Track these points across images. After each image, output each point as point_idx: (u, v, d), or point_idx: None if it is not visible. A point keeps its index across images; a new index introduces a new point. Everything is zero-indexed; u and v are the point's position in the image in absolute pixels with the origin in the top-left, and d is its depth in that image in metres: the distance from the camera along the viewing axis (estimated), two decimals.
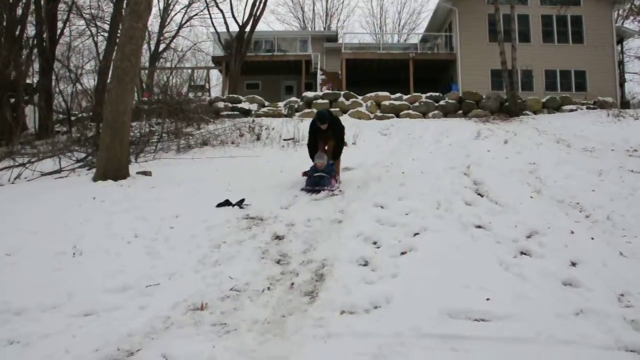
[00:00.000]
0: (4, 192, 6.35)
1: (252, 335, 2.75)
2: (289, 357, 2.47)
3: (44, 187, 6.46)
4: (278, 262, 3.89)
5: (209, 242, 4.30)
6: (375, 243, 4.09)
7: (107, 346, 2.67)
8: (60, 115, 14.88)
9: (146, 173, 7.33)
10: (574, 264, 3.56)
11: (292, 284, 3.44)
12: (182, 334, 2.83)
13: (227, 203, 5.42)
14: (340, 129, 6.74)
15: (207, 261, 3.92)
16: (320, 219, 4.89)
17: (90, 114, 13.59)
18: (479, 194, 5.63)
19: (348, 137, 10.57)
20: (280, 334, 2.75)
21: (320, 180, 6.12)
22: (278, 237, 4.44)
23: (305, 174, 6.33)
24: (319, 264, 3.75)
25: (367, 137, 11.62)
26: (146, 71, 23.45)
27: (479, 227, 4.38)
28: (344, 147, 6.84)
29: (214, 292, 3.34)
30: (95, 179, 6.80)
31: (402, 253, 3.81)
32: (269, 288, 3.40)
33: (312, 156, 6.60)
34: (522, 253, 3.78)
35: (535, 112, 16.53)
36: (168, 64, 28.93)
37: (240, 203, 5.42)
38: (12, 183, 7.09)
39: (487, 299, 2.95)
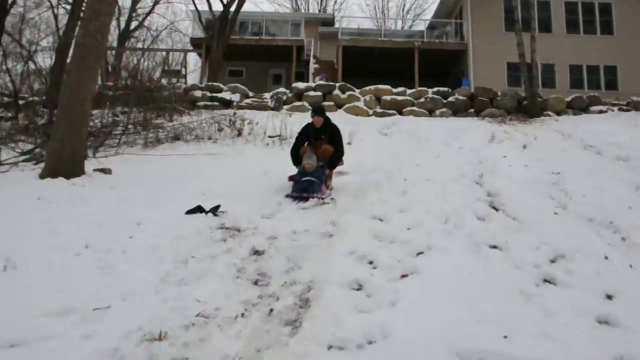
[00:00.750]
0: None
1: None
2: None
3: None
4: (256, 282, 3.74)
5: (174, 256, 4.12)
6: (371, 263, 3.95)
7: None
8: (6, 98, 14.53)
9: (105, 171, 7.13)
10: (609, 297, 3.43)
11: (271, 310, 3.27)
12: None
13: (199, 209, 5.25)
14: (339, 135, 6.66)
15: (170, 279, 3.74)
16: (307, 231, 4.74)
17: (43, 98, 13.29)
18: (493, 208, 5.52)
19: (343, 136, 10.51)
20: None
21: (309, 185, 6.00)
22: (257, 252, 4.28)
23: (291, 178, 6.22)
24: (305, 287, 3.59)
25: (364, 137, 11.51)
26: (113, 52, 23.18)
27: (494, 247, 4.26)
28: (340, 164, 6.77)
29: (176, 318, 3.16)
30: (42, 176, 6.56)
31: (403, 276, 3.67)
32: (243, 315, 3.23)
33: (296, 164, 6.50)
34: (545, 281, 3.65)
35: (558, 113, 16.46)
36: (139, 45, 28.74)
37: (214, 210, 5.24)
38: None
39: (505, 337, 2.81)
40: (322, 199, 5.94)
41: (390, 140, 11.81)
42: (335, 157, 6.55)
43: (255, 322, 3.14)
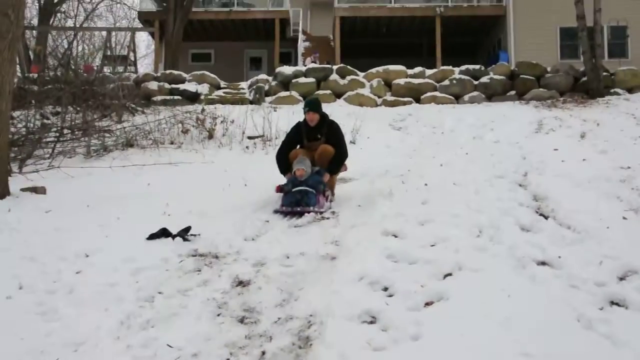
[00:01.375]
0: None
1: None
2: None
3: None
4: (242, 320, 3.86)
5: (136, 293, 4.25)
6: (386, 289, 4.09)
7: None
8: None
9: (37, 190, 7.27)
10: None
11: (263, 353, 3.40)
12: None
13: (164, 234, 5.39)
14: (340, 134, 6.83)
15: (133, 322, 3.87)
16: (304, 254, 4.88)
17: None
18: (541, 215, 5.67)
19: (345, 133, 10.67)
20: None
21: (302, 197, 6.13)
22: (241, 283, 4.41)
23: (280, 189, 6.36)
24: (303, 323, 3.72)
25: (372, 133, 11.69)
26: (34, 32, 23.28)
27: (543, 263, 4.41)
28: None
29: None
30: None
31: (427, 304, 3.81)
32: None
33: (284, 172, 6.67)
34: (613, 303, 3.79)
35: (629, 90, 16.54)
36: (70, 23, 28.86)
37: (184, 233, 5.39)
38: None
39: None
40: (320, 213, 6.04)
41: (405, 135, 12.00)
42: (337, 160, 6.70)
43: None
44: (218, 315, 3.95)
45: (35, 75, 15.49)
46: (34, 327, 3.85)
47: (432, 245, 4.83)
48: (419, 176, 7.52)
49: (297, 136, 6.88)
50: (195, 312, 3.97)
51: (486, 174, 7.50)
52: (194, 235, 5.41)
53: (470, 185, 6.83)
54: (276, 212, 6.15)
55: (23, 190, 7.20)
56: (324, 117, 6.82)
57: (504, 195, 6.30)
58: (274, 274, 4.54)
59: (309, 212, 5.99)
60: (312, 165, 6.57)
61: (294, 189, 6.24)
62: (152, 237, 5.37)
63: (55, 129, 10.88)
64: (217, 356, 3.44)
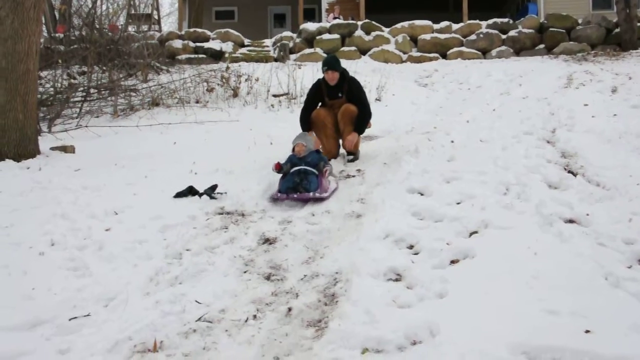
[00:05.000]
0: None
1: None
2: None
3: None
4: (268, 277, 3.93)
5: (164, 251, 4.33)
6: (411, 247, 4.11)
7: None
8: None
9: (66, 149, 7.35)
10: None
11: (290, 309, 3.46)
12: None
13: (190, 192, 5.45)
14: (362, 91, 6.74)
15: (162, 279, 3.95)
16: (329, 212, 4.91)
17: None
18: (570, 172, 5.61)
19: (369, 91, 10.58)
20: None
21: (302, 180, 5.42)
22: (268, 241, 4.48)
23: (279, 167, 5.63)
24: (329, 280, 3.77)
25: (397, 90, 11.59)
26: None
27: (571, 221, 4.36)
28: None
29: (172, 324, 3.37)
30: None
31: (453, 262, 3.82)
32: (255, 316, 3.42)
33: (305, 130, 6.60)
34: None
35: None
36: None
37: (210, 191, 5.43)
38: None
39: (587, 332, 2.94)
40: (322, 199, 5.33)
41: (431, 92, 11.88)
42: (362, 118, 6.64)
43: (270, 324, 3.32)
44: (245, 272, 4.01)
45: (61, 35, 15.52)
46: (66, 282, 3.94)
47: (458, 203, 4.81)
48: (445, 133, 7.46)
49: (318, 95, 6.82)
50: (222, 269, 4.04)
51: (513, 130, 7.40)
52: (221, 193, 5.45)
53: (497, 142, 6.76)
54: (272, 198, 5.41)
55: (52, 149, 7.30)
56: (343, 74, 6.73)
57: (532, 152, 6.23)
58: (299, 232, 4.58)
59: (308, 200, 5.30)
60: (334, 124, 6.51)
61: (292, 170, 5.55)
62: (179, 195, 5.43)
63: (82, 89, 10.94)
64: (243, 312, 3.50)
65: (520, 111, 8.84)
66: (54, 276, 4.04)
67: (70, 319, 3.49)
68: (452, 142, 6.90)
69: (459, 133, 7.39)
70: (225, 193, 5.45)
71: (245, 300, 3.62)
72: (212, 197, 5.37)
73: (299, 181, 5.35)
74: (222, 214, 5.05)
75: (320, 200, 5.26)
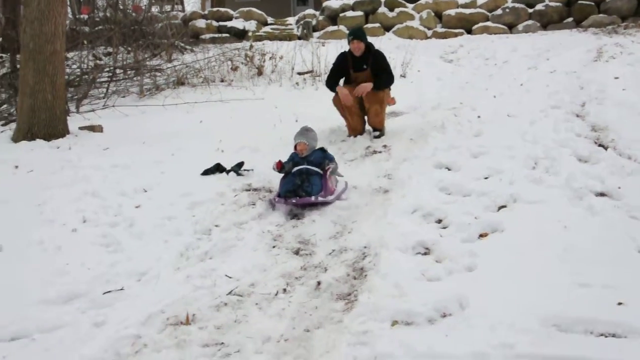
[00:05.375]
0: None
1: (262, 359, 2.82)
2: None
3: None
4: (297, 252, 3.98)
5: (194, 227, 4.39)
6: (439, 221, 4.11)
7: None
8: None
9: (95, 128, 7.44)
10: None
11: (319, 283, 3.49)
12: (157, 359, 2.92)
13: (218, 169, 5.50)
14: (385, 62, 6.68)
15: (192, 254, 4.02)
16: (357, 188, 4.93)
17: None
18: (600, 146, 5.54)
19: (394, 67, 10.53)
20: (304, 356, 2.81)
21: (303, 182, 4.81)
22: (296, 217, 4.55)
23: (280, 167, 5.03)
24: (358, 254, 3.80)
25: (423, 66, 11.50)
26: None
27: (602, 194, 4.32)
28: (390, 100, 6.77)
29: (204, 298, 3.43)
30: (16, 139, 6.94)
31: (481, 236, 3.82)
32: (285, 290, 3.47)
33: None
34: None
35: None
36: None
37: (237, 168, 5.47)
38: None
39: (619, 304, 2.92)
40: (325, 203, 4.72)
41: (457, 68, 11.77)
42: (385, 80, 6.52)
43: (300, 298, 3.36)
44: (273, 247, 4.06)
45: (86, 17, 15.61)
46: (99, 258, 4.03)
47: (486, 178, 4.79)
48: (472, 109, 7.40)
49: (343, 66, 6.76)
50: (251, 244, 4.09)
51: (541, 104, 7.31)
52: (248, 170, 5.49)
53: (524, 116, 6.68)
54: (273, 202, 4.81)
55: (81, 128, 7.39)
56: (369, 46, 6.68)
57: (561, 126, 6.15)
58: (327, 207, 4.61)
59: (310, 204, 4.69)
60: (358, 102, 6.46)
61: (294, 169, 4.98)
62: (207, 172, 5.47)
63: (108, 69, 11.02)
64: (273, 286, 3.54)
65: (548, 85, 8.72)
66: (87, 252, 4.13)
67: (104, 293, 3.57)
68: (479, 117, 6.84)
69: (486, 108, 7.32)
70: (252, 170, 5.48)
71: (274, 274, 3.67)
72: (239, 174, 5.40)
73: (300, 183, 4.76)
74: (249, 190, 5.09)
75: (325, 203, 4.68)
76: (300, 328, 3.06)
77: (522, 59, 11.74)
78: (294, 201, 4.65)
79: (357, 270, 3.60)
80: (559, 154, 5.20)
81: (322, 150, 5.24)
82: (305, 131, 5.32)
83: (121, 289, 3.61)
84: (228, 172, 5.44)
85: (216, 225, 4.40)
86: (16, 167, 5.83)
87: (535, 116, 6.70)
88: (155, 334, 3.11)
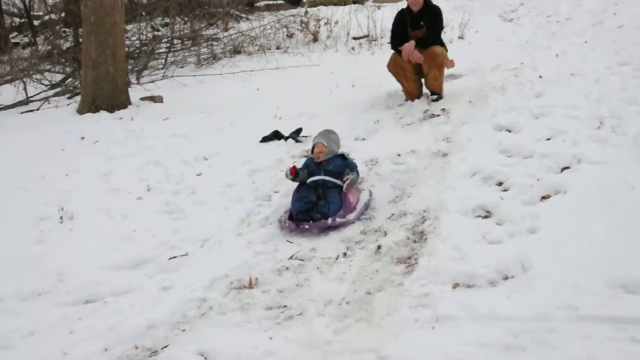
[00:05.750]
0: None
1: (324, 321, 2.89)
2: (380, 350, 2.57)
3: (7, 126, 6.88)
4: (357, 217, 4.02)
5: (254, 193, 4.49)
6: (500, 184, 4.06)
7: (121, 343, 2.91)
8: (17, 20, 15.20)
9: (155, 99, 7.58)
10: None
11: (379, 247, 3.53)
12: (224, 322, 3.03)
13: (276, 136, 5.56)
14: (440, 18, 6.50)
15: (253, 220, 4.11)
16: (415, 152, 4.90)
17: (62, 15, 13.94)
18: None
19: (452, 28, 10.30)
20: (365, 319, 2.86)
21: (320, 199, 4.09)
22: None
23: (294, 173, 4.27)
24: (417, 218, 3.81)
25: (481, 26, 11.20)
26: None
27: None
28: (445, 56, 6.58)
29: (266, 262, 3.53)
30: (81, 111, 7.15)
31: (544, 197, 3.75)
32: (345, 254, 3.52)
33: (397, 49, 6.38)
34: None
35: None
36: None
37: (295, 135, 5.52)
38: None
39: None
40: (346, 219, 3.98)
41: (517, 27, 11.40)
42: (430, 39, 6.37)
43: (360, 261, 3.41)
44: None
45: None
46: (164, 225, 4.17)
47: (548, 139, 4.67)
48: (533, 68, 7.19)
49: (402, 25, 6.62)
50: None
51: (607, 62, 7.03)
52: (305, 136, 5.52)
53: (589, 75, 6.45)
54: (284, 224, 4.02)
55: (142, 99, 7.54)
56: (427, 1, 6.52)
57: (629, 84, 5.91)
58: (386, 172, 4.61)
59: (325, 227, 3.93)
60: (414, 66, 6.31)
61: (309, 180, 4.25)
62: (265, 139, 5.53)
63: (166, 40, 11.16)
64: (333, 250, 3.60)
65: (615, 42, 8.37)
66: (152, 219, 4.28)
67: (169, 259, 3.70)
68: (541, 77, 6.64)
69: (548, 68, 7.09)
70: (310, 136, 5.50)
71: (335, 239, 3.73)
72: (297, 141, 5.44)
73: (315, 200, 4.05)
74: (307, 156, 5.11)
75: (343, 225, 3.94)
76: (361, 291, 3.10)
77: (587, 15, 11.28)
78: (307, 227, 3.91)
79: (417, 233, 3.61)
80: (627, 113, 5.00)
81: (343, 156, 4.49)
82: (327, 132, 4.62)
83: (186, 255, 3.74)
84: (286, 138, 5.49)
85: (276, 192, 4.47)
86: (82, 138, 6.02)
87: (600, 74, 6.46)
88: (220, 297, 3.21)
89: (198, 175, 4.94)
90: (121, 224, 4.27)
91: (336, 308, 2.98)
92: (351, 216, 3.98)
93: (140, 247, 3.89)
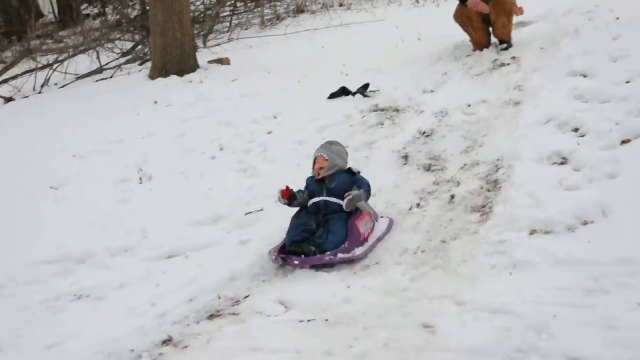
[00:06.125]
0: (30, 105, 7.11)
1: (400, 269, 2.93)
2: (458, 296, 2.58)
3: (83, 93, 7.13)
4: (428, 168, 4.00)
5: None
6: (576, 130, 3.95)
7: (204, 294, 3.04)
8: None
9: (222, 61, 7.67)
10: None
11: (452, 196, 3.52)
12: (301, 273, 3.13)
13: (343, 92, 5.55)
14: None
15: None
16: (485, 101, 4.81)
17: None
18: None
19: None
20: (441, 266, 2.88)
21: (319, 227, 3.36)
22: (424, 134, 4.51)
23: (288, 196, 3.48)
24: (491, 167, 3.76)
25: None
26: None
27: None
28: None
29: None
30: (152, 76, 7.32)
31: (623, 142, 3.63)
32: (418, 205, 3.53)
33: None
34: None
35: None
36: None
37: (363, 90, 5.50)
38: (39, 92, 7.86)
39: None
40: (351, 256, 3.17)
41: None
42: None
43: (434, 211, 3.42)
44: (404, 164, 4.11)
45: None
46: (238, 182, 4.29)
47: (627, 82, 4.47)
48: (609, 10, 6.86)
49: None
50: (381, 162, 4.17)
51: None
52: (373, 91, 5.49)
53: None
54: (271, 255, 3.25)
55: (210, 62, 7.64)
56: None
57: None
58: (456, 123, 4.55)
59: (321, 263, 3.17)
60: (479, 14, 6.09)
61: (310, 202, 3.48)
62: (333, 95, 5.54)
63: (229, 3, 11.22)
64: (406, 202, 3.61)
65: None
66: (226, 177, 4.40)
67: (245, 214, 3.81)
68: (617, 19, 6.36)
69: (625, 9, 6.76)
70: (378, 91, 5.48)
71: (407, 190, 3.73)
72: (365, 96, 5.43)
73: (314, 228, 3.34)
74: (376, 110, 5.11)
75: (347, 261, 3.17)
76: (436, 240, 3.12)
77: None
78: (296, 262, 3.17)
79: (491, 182, 3.58)
80: None
81: (351, 172, 3.59)
82: (328, 144, 3.71)
83: (261, 210, 3.83)
84: (354, 94, 5.47)
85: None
86: (155, 102, 6.19)
87: None
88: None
89: (268, 133, 5.01)
90: (197, 182, 4.40)
91: (412, 257, 3.01)
92: (358, 251, 3.19)
93: (216, 204, 4.01)
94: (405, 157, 4.18)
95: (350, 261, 3.14)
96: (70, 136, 5.53)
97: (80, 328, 2.90)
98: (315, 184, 3.50)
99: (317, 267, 3.15)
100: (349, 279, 2.94)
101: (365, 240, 3.28)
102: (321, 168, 3.50)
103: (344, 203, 3.26)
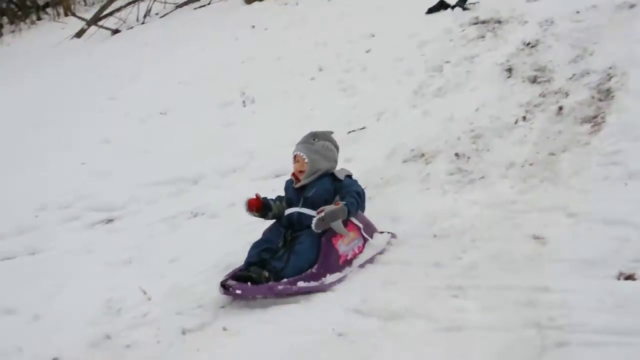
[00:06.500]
0: (135, 36, 7.33)
1: (508, 183, 2.89)
2: (569, 207, 2.53)
3: (184, 22, 7.31)
4: (534, 80, 3.85)
5: (424, 65, 4.43)
6: None
7: None
8: None
9: None
10: None
11: (561, 108, 3.40)
12: (408, 187, 3.11)
13: (442, 5, 5.39)
14: None
15: (425, 91, 4.09)
16: (596, 7, 4.52)
17: None
18: None
19: None
20: (550, 179, 2.81)
21: (286, 247, 2.62)
22: (529, 45, 4.33)
23: (257, 206, 2.72)
24: (602, 76, 3.58)
25: None
26: None
27: None
28: None
29: (442, 131, 3.52)
30: (248, 1, 7.36)
31: None
32: (524, 118, 3.43)
33: None
34: None
35: None
36: None
37: (462, 3, 5.31)
38: (143, 23, 8.11)
39: None
40: (327, 285, 2.49)
41: None
42: None
43: (541, 124, 3.31)
44: (508, 77, 3.97)
45: None
46: (339, 102, 4.30)
47: None
48: None
49: None
50: (484, 76, 4.05)
51: None
52: (473, 3, 5.30)
53: None
54: (223, 287, 2.45)
55: None
56: None
57: None
58: (563, 31, 4.32)
59: (272, 294, 2.44)
60: None
61: (286, 213, 2.72)
62: (431, 10, 5.40)
63: None
64: (512, 115, 3.51)
65: None
66: (327, 97, 4.42)
67: (348, 132, 3.83)
68: None
69: None
70: (478, 2, 5.28)
71: (512, 103, 3.62)
72: (464, 9, 5.25)
73: (281, 247, 2.62)
74: (477, 23, 4.93)
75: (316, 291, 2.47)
76: (544, 152, 3.04)
77: None
78: (238, 292, 2.41)
79: (603, 92, 3.41)
80: None
81: (334, 176, 2.73)
82: (312, 138, 2.83)
83: (363, 128, 3.84)
84: (453, 7, 5.30)
85: (447, 62, 4.38)
86: (253, 26, 6.25)
87: None
88: (399, 163, 3.30)
89: (367, 52, 4.97)
90: (299, 103, 4.45)
91: (519, 170, 2.96)
92: (331, 278, 2.50)
93: (319, 123, 4.00)
94: (509, 70, 4.03)
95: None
96: (173, 63, 5.72)
97: (198, 243, 3.05)
98: (293, 191, 2.75)
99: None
100: (456, 193, 2.91)
101: (348, 263, 2.59)
102: (301, 172, 2.72)
103: (313, 223, 2.47)
